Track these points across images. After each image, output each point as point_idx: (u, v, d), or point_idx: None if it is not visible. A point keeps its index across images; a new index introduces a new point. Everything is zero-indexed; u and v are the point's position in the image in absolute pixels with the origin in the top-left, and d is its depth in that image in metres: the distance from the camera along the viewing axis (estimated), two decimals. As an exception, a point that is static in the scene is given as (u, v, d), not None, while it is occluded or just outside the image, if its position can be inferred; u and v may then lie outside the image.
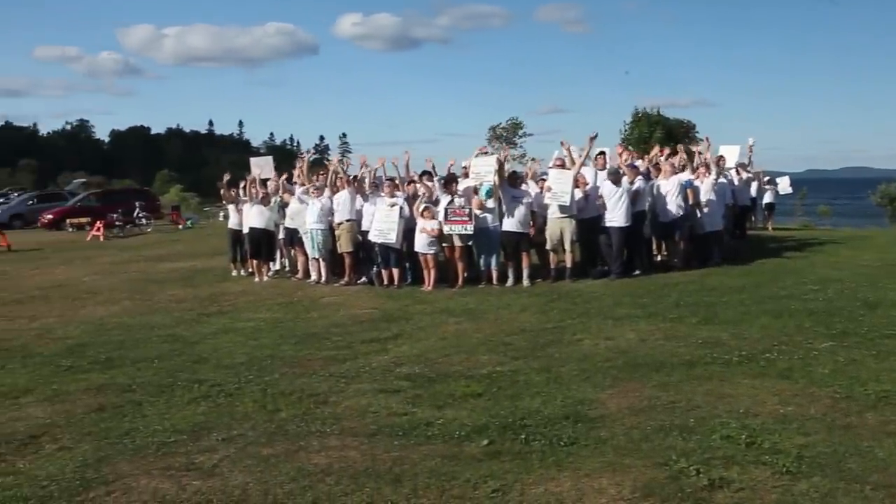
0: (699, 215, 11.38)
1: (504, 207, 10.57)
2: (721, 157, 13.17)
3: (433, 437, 4.68)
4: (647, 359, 6.28)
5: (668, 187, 11.04)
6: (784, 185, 19.99)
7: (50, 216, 28.90)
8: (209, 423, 5.10)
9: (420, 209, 10.52)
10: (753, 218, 17.44)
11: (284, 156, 49.21)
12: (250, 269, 12.46)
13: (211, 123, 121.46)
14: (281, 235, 12.31)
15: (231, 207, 12.88)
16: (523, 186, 10.98)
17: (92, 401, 5.73)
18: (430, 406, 5.29)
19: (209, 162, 79.97)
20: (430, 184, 11.10)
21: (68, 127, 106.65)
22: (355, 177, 11.67)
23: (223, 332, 8.23)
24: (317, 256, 11.40)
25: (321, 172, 12.41)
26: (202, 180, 51.27)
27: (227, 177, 12.95)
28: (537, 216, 10.79)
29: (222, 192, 13.13)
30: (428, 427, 4.84)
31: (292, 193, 12.06)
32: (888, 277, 9.92)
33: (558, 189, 10.40)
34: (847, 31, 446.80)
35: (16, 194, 39.18)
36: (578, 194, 10.57)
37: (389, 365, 6.50)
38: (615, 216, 10.50)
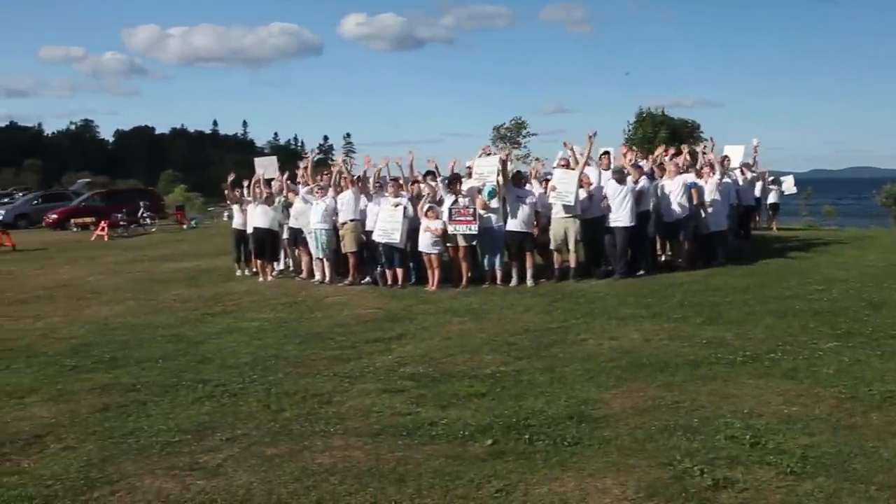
0: (703, 215, 11.37)
1: (508, 207, 10.59)
2: (725, 157, 13.12)
3: (437, 436, 4.68)
4: (652, 359, 6.28)
5: (673, 187, 11.03)
6: (788, 185, 19.96)
7: (54, 216, 28.87)
8: (213, 423, 5.11)
9: (424, 209, 10.52)
10: (758, 218, 17.39)
11: (288, 156, 49.04)
12: (254, 269, 12.47)
13: (215, 123, 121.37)
14: (285, 235, 12.33)
15: (235, 207, 12.89)
16: (527, 186, 10.99)
17: (96, 400, 5.74)
18: (433, 406, 5.29)
19: (213, 162, 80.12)
20: (433, 184, 11.12)
21: (73, 127, 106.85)
22: (359, 177, 11.68)
23: (227, 332, 8.23)
24: (321, 256, 11.41)
25: (325, 172, 12.40)
26: (206, 180, 51.51)
27: (231, 177, 12.99)
28: (541, 216, 10.80)
29: (226, 192, 13.17)
30: (432, 427, 4.84)
31: (296, 193, 12.09)
32: (893, 278, 9.90)
33: (563, 189, 10.41)
34: (850, 30, 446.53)
35: (20, 194, 39.16)
36: (582, 194, 10.56)
37: (393, 365, 6.50)
38: (619, 216, 10.48)
